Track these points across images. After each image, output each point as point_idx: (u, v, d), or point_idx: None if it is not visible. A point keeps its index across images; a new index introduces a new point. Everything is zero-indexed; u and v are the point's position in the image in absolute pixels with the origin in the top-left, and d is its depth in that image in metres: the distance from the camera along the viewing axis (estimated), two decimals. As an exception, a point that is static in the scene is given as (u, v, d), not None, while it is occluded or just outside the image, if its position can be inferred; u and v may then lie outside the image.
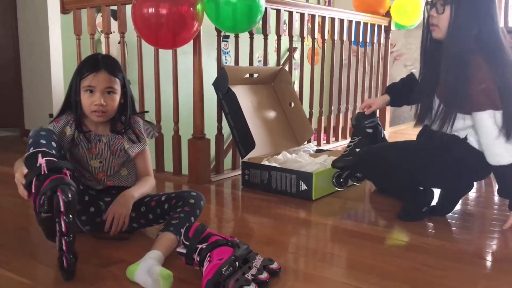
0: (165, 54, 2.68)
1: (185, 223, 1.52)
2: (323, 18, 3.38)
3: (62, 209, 1.32)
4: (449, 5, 1.78)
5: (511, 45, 1.82)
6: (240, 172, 2.60)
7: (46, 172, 1.37)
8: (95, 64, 1.66)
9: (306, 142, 3.02)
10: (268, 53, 2.93)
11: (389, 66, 4.39)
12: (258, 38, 2.84)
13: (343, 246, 1.74)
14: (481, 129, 1.75)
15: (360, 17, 3.73)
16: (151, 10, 2.19)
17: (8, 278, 1.41)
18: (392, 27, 4.16)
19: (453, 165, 1.85)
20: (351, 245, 1.72)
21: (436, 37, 1.86)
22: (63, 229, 1.33)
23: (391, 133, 4.26)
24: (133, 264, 1.39)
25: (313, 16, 3.26)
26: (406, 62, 5.63)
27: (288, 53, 4.57)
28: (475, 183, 2.11)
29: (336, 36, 3.50)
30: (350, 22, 3.63)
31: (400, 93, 2.16)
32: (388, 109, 4.25)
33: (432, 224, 1.93)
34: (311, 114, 3.35)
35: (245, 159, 2.52)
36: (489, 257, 1.61)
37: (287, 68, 3.09)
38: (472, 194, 2.17)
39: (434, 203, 2.04)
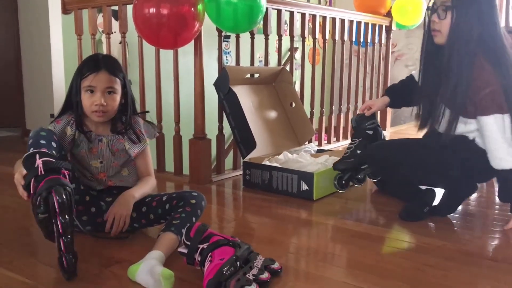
0: (166, 54, 2.68)
1: (186, 223, 1.52)
2: (324, 18, 3.38)
3: (56, 210, 1.32)
4: (450, 10, 1.79)
5: None
6: (241, 172, 2.60)
7: (43, 172, 1.37)
8: (96, 64, 1.66)
9: (307, 142, 3.02)
10: (269, 53, 2.93)
11: (390, 66, 4.39)
12: (259, 38, 2.84)
13: (344, 246, 1.74)
14: (486, 133, 1.75)
15: (361, 17, 3.73)
16: (152, 10, 2.19)
17: (9, 278, 1.41)
18: (393, 27, 4.15)
19: (459, 165, 1.85)
20: (352, 245, 1.72)
21: (438, 42, 1.86)
22: (60, 230, 1.33)
23: (392, 134, 4.25)
24: (135, 264, 1.39)
25: (314, 16, 3.26)
26: (407, 62, 5.63)
27: (289, 53, 4.56)
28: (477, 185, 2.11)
29: (337, 36, 3.50)
30: (351, 22, 3.63)
31: (400, 94, 2.17)
32: (389, 109, 4.25)
33: (433, 224, 1.93)
34: (312, 114, 3.36)
35: (246, 159, 2.52)
36: (490, 258, 1.60)
37: (288, 68, 3.09)
38: (473, 194, 2.17)
39: (435, 203, 2.04)
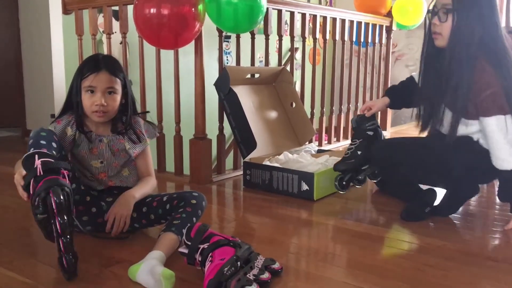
0: (167, 55, 2.68)
1: (187, 224, 1.52)
2: (325, 18, 3.38)
3: (54, 210, 1.32)
4: (452, 13, 1.79)
5: None
6: (241, 172, 2.60)
7: (42, 173, 1.37)
8: (96, 64, 1.66)
9: (307, 142, 3.02)
10: (269, 53, 2.93)
11: (391, 66, 4.39)
12: (260, 38, 2.84)
13: (345, 246, 1.74)
14: (488, 134, 1.76)
15: (362, 17, 3.73)
16: (152, 10, 2.19)
17: (9, 278, 1.41)
18: (394, 27, 4.15)
19: (462, 165, 1.85)
20: (352, 245, 1.72)
21: (438, 45, 1.86)
22: (59, 230, 1.33)
23: (392, 134, 4.25)
24: (135, 264, 1.39)
25: (314, 16, 3.26)
26: (408, 62, 5.63)
27: (289, 53, 4.56)
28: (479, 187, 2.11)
29: (337, 36, 3.50)
30: (351, 22, 3.63)
31: (400, 96, 2.17)
32: (389, 110, 4.25)
33: (433, 224, 1.93)
34: (312, 114, 3.36)
35: (247, 159, 2.52)
36: (490, 258, 1.60)
37: (288, 68, 3.09)
38: (475, 196, 2.17)
39: (436, 203, 2.04)
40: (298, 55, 5.20)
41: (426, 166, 1.92)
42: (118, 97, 1.70)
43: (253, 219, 2.06)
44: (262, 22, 2.64)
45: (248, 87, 2.77)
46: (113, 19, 2.83)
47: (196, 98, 2.54)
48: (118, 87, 1.69)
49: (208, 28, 2.47)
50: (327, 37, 3.44)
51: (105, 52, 2.86)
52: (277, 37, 2.98)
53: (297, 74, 4.40)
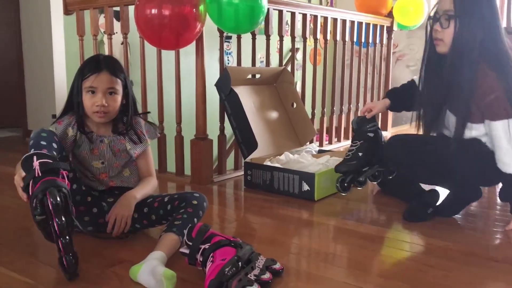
0: (168, 55, 2.69)
1: (188, 224, 1.52)
2: (325, 18, 3.38)
3: (51, 211, 1.32)
4: (454, 19, 1.79)
5: None
6: (242, 172, 2.61)
7: (40, 174, 1.37)
8: (97, 64, 1.66)
9: (308, 143, 3.02)
10: (270, 54, 2.94)
11: (392, 67, 4.39)
12: (260, 39, 2.84)
13: (346, 246, 1.74)
14: (495, 138, 1.77)
15: (362, 18, 3.73)
16: (154, 11, 2.19)
17: (11, 278, 1.42)
18: (395, 28, 4.15)
19: (468, 167, 1.85)
20: (353, 246, 1.72)
21: (440, 51, 1.87)
22: (57, 231, 1.33)
23: (393, 134, 4.25)
24: (136, 264, 1.40)
25: (315, 17, 3.26)
26: (409, 63, 5.62)
27: (290, 53, 4.56)
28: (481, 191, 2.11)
29: (338, 37, 3.50)
30: (352, 22, 3.63)
31: (401, 98, 2.18)
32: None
33: (434, 224, 1.93)
34: (313, 114, 3.36)
35: (248, 159, 2.52)
36: (491, 258, 1.60)
37: (289, 68, 3.09)
38: (478, 199, 2.17)
39: (439, 203, 2.05)
40: (299, 56, 5.19)
41: (427, 165, 1.92)
42: (119, 97, 1.70)
43: (254, 220, 2.06)
44: (263, 23, 2.64)
45: (249, 87, 2.77)
46: (114, 20, 2.84)
47: (197, 98, 2.54)
48: (119, 87, 1.69)
49: (209, 29, 2.47)
50: (328, 37, 3.44)
51: (106, 52, 2.87)
52: (278, 38, 2.98)
53: (298, 75, 4.40)
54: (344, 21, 3.53)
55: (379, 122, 2.27)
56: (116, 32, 2.86)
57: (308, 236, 1.88)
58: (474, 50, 1.77)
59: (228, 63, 4.79)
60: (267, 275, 1.35)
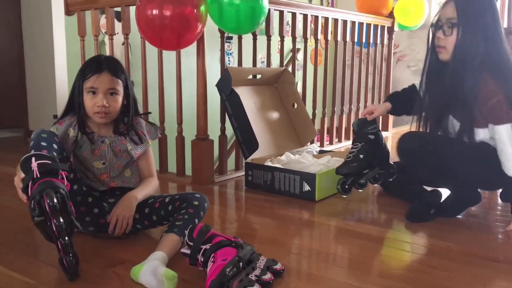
0: (169, 56, 2.69)
1: (189, 225, 1.52)
2: (326, 19, 3.38)
3: (48, 213, 1.31)
4: (456, 27, 1.80)
5: None
6: (243, 173, 2.61)
7: (38, 175, 1.36)
8: (98, 65, 1.66)
9: (309, 143, 3.02)
10: (271, 54, 2.94)
11: (392, 67, 4.39)
12: (261, 39, 2.84)
13: (346, 247, 1.74)
14: (499, 142, 1.79)
15: (363, 18, 3.73)
16: (155, 11, 2.19)
17: (11, 278, 1.42)
18: (395, 28, 4.15)
19: (474, 167, 1.86)
20: (354, 246, 1.72)
21: (442, 58, 1.88)
22: (55, 233, 1.33)
23: (394, 134, 4.25)
24: (138, 265, 1.40)
25: (316, 17, 3.27)
26: (410, 63, 5.62)
27: (291, 54, 4.56)
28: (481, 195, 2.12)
29: (339, 37, 3.50)
30: (353, 23, 3.63)
31: (402, 103, 2.19)
32: (391, 110, 4.24)
33: (435, 225, 1.93)
34: (314, 115, 3.36)
35: (249, 160, 2.52)
36: (492, 258, 1.60)
37: (290, 69, 3.09)
38: (477, 203, 2.17)
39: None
40: (299, 56, 5.19)
41: (437, 163, 1.92)
42: (120, 98, 1.70)
43: (255, 220, 2.07)
44: (264, 23, 2.64)
45: (250, 88, 2.77)
46: (115, 20, 2.84)
47: (198, 99, 2.54)
48: (120, 88, 1.69)
49: (210, 29, 2.47)
50: (329, 38, 3.44)
51: (107, 53, 2.87)
52: (278, 38, 2.99)
53: (298, 75, 4.41)
54: (345, 22, 3.53)
55: (379, 122, 2.27)
56: (117, 33, 2.86)
57: (309, 237, 1.89)
58: (476, 58, 1.78)
59: (229, 64, 4.79)
60: (268, 276, 1.35)
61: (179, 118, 2.69)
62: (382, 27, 4.04)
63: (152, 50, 2.62)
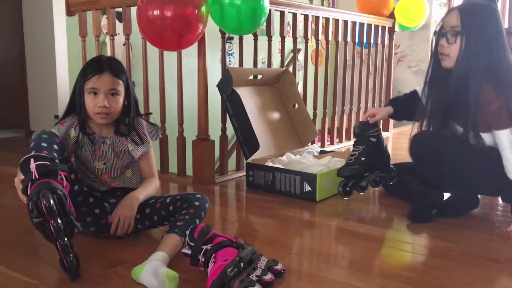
0: (170, 56, 2.69)
1: (189, 225, 1.52)
2: (327, 19, 3.38)
3: (45, 214, 1.31)
4: (460, 35, 1.81)
5: None
6: (244, 173, 2.61)
7: (37, 176, 1.37)
8: (99, 66, 1.66)
9: (310, 143, 3.02)
10: (272, 55, 2.94)
11: (393, 67, 4.39)
12: (262, 40, 2.85)
13: (347, 247, 1.74)
14: (500, 147, 1.81)
15: (364, 19, 3.73)
16: (156, 12, 2.19)
17: (12, 278, 1.42)
18: (396, 28, 4.16)
19: (481, 172, 1.87)
20: (355, 246, 1.72)
21: (445, 66, 1.89)
22: (53, 234, 1.33)
23: (395, 134, 4.26)
24: (139, 265, 1.40)
25: (317, 18, 3.27)
26: (410, 63, 5.62)
27: (292, 54, 4.56)
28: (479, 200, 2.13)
29: (340, 38, 3.51)
30: (354, 23, 3.63)
31: (404, 108, 2.20)
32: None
33: (436, 225, 1.93)
34: (315, 115, 3.36)
35: (249, 160, 2.52)
36: (492, 259, 1.60)
37: (291, 69, 3.09)
38: (475, 208, 2.17)
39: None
40: (300, 56, 5.20)
41: (449, 164, 1.93)
42: (121, 98, 1.70)
43: (256, 220, 2.07)
44: (265, 24, 2.65)
45: (250, 88, 2.77)
46: (117, 21, 2.84)
47: (199, 99, 2.55)
48: (121, 88, 1.70)
49: (211, 30, 2.47)
50: (330, 38, 3.44)
51: (108, 53, 2.87)
52: (279, 39, 2.99)
53: (299, 75, 4.41)
54: (345, 22, 3.53)
55: (380, 123, 2.27)
56: (118, 33, 2.86)
57: (309, 237, 1.89)
58: (480, 67, 1.80)
59: (230, 64, 4.80)
60: (268, 276, 1.35)
61: (180, 118, 2.70)
62: (383, 28, 4.04)
63: (153, 51, 2.62)
